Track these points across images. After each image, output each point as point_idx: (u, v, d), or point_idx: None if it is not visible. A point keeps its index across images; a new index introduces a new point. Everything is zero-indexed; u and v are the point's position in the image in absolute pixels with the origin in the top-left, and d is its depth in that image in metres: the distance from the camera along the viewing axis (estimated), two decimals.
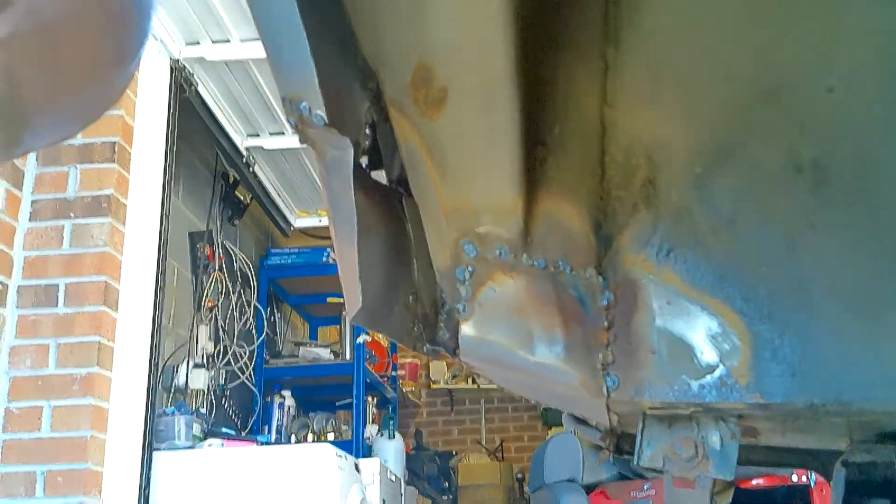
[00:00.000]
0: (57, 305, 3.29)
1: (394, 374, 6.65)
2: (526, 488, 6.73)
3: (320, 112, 0.80)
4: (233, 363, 4.78)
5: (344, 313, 5.34)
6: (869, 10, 0.85)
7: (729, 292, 0.90)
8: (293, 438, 5.15)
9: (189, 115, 4.14)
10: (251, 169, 5.00)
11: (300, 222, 5.98)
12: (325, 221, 5.84)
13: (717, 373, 0.90)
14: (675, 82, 0.90)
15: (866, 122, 0.85)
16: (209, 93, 4.33)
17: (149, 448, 3.52)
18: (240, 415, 4.98)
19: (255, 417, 5.10)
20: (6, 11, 0.48)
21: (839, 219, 0.85)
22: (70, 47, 0.52)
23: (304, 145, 0.84)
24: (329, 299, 5.66)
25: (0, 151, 0.54)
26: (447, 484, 6.57)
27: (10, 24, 0.49)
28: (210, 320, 4.61)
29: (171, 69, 3.92)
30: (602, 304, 0.95)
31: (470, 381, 7.54)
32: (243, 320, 5.00)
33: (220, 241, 4.82)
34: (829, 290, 0.86)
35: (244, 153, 4.90)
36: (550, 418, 7.29)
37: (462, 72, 0.85)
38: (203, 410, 4.28)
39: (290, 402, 5.34)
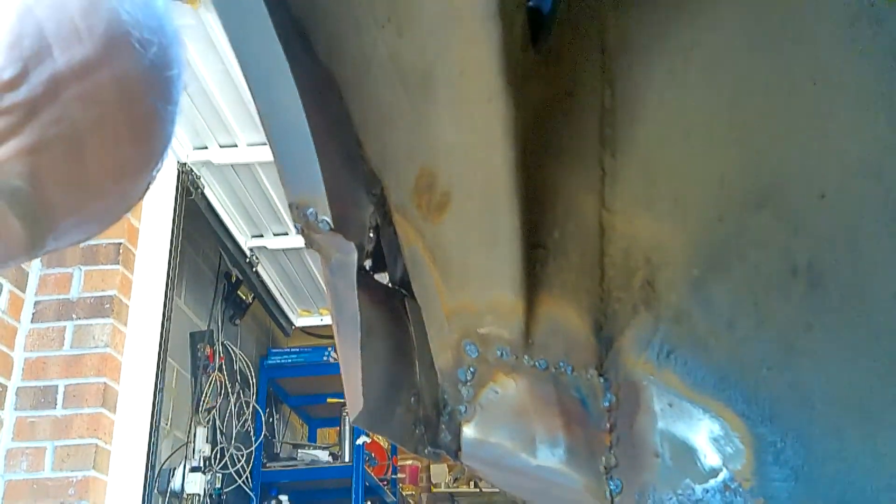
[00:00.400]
0: (55, 407, 3.26)
1: (394, 476, 6.51)
2: None
3: (326, 218, 0.82)
4: (230, 466, 4.69)
5: (344, 414, 5.28)
6: (856, 117, 0.88)
7: (730, 394, 0.90)
8: None
9: (194, 216, 4.20)
10: (254, 269, 5.04)
11: (301, 321, 5.98)
12: (326, 320, 5.84)
13: (720, 477, 0.89)
14: (671, 188, 0.93)
15: (858, 226, 0.87)
16: (215, 194, 4.40)
17: None
18: None
19: None
20: (34, 120, 0.51)
21: (835, 321, 0.86)
22: (95, 153, 0.53)
23: (310, 249, 0.86)
24: (329, 399, 5.59)
25: (24, 253, 0.56)
26: None
27: (37, 132, 0.51)
28: (208, 422, 4.56)
29: (179, 172, 4.00)
30: (604, 405, 0.95)
31: (472, 484, 7.38)
32: (242, 422, 4.94)
33: (220, 341, 4.81)
34: (829, 393, 0.86)
35: (248, 253, 4.94)
36: None
37: (464, 177, 0.88)
38: None
39: None
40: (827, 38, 0.86)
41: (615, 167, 0.93)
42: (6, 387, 3.27)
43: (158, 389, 3.59)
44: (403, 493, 6.99)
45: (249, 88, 0.81)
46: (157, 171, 0.61)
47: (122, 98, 0.54)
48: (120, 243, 3.48)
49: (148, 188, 0.61)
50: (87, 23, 0.52)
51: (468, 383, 0.96)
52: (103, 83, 0.52)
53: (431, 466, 7.53)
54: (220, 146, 4.09)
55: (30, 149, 0.50)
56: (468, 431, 0.96)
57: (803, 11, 0.86)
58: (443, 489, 7.55)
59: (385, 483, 6.03)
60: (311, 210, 0.83)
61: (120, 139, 0.55)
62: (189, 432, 4.38)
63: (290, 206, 0.84)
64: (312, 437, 6.26)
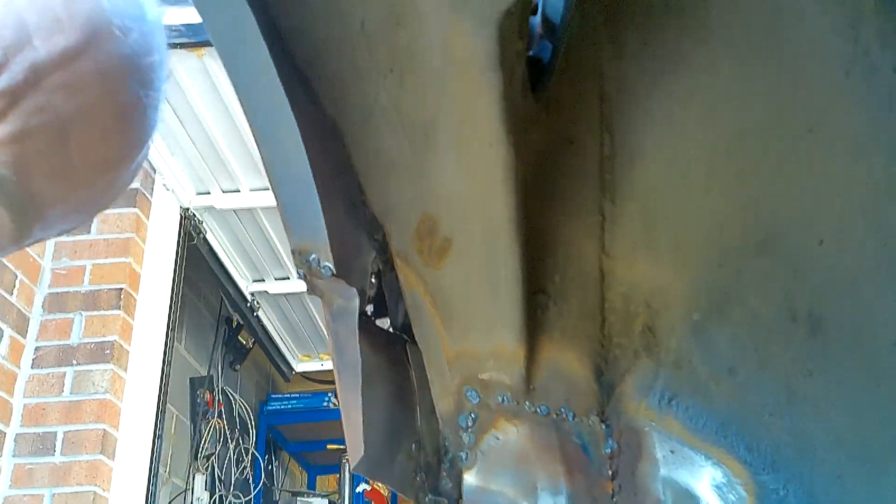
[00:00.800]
0: (54, 454, 3.23)
1: None
2: None
3: (329, 264, 0.83)
4: None
5: (344, 460, 5.23)
6: (853, 164, 0.88)
7: (732, 441, 0.89)
8: None
9: (196, 261, 4.21)
10: (255, 313, 5.03)
11: (301, 366, 5.95)
12: (326, 365, 5.81)
13: None
14: (670, 234, 0.93)
15: (858, 272, 0.87)
16: (217, 239, 4.42)
17: None
18: None
19: None
20: (15, 108, 0.51)
21: (836, 367, 0.86)
22: (79, 141, 0.53)
23: (312, 294, 0.87)
24: (329, 446, 5.54)
25: (10, 243, 0.55)
26: None
27: (20, 120, 0.51)
28: (207, 469, 4.51)
29: (181, 217, 4.02)
30: (606, 452, 0.95)
31: None
32: (240, 469, 4.89)
33: (220, 387, 4.78)
34: (830, 439, 0.86)
35: (248, 298, 4.94)
36: None
37: (465, 223, 0.89)
38: None
39: None
40: (823, 86, 0.87)
41: (615, 213, 0.94)
42: (5, 433, 3.24)
43: (157, 436, 3.56)
44: None
45: (253, 134, 0.83)
46: (143, 159, 0.60)
47: (104, 85, 0.54)
48: (121, 288, 3.48)
49: (134, 176, 0.61)
50: (68, 12, 0.52)
51: (469, 429, 0.95)
52: (85, 71, 0.52)
53: None
54: (223, 191, 4.12)
55: (13, 137, 0.50)
56: (469, 478, 0.95)
57: (799, 60, 0.87)
58: None
59: None
60: (313, 256, 0.83)
61: (103, 126, 0.55)
62: (188, 479, 4.34)
63: (292, 251, 0.84)
64: (312, 485, 6.19)
